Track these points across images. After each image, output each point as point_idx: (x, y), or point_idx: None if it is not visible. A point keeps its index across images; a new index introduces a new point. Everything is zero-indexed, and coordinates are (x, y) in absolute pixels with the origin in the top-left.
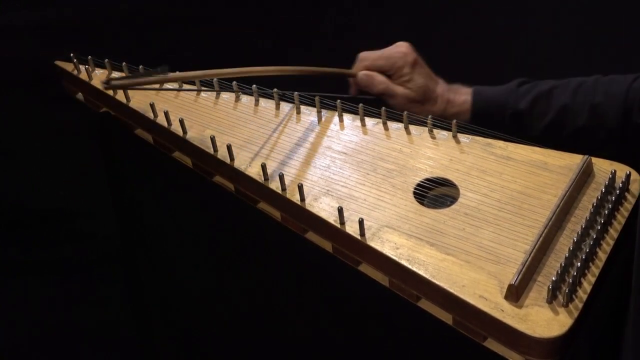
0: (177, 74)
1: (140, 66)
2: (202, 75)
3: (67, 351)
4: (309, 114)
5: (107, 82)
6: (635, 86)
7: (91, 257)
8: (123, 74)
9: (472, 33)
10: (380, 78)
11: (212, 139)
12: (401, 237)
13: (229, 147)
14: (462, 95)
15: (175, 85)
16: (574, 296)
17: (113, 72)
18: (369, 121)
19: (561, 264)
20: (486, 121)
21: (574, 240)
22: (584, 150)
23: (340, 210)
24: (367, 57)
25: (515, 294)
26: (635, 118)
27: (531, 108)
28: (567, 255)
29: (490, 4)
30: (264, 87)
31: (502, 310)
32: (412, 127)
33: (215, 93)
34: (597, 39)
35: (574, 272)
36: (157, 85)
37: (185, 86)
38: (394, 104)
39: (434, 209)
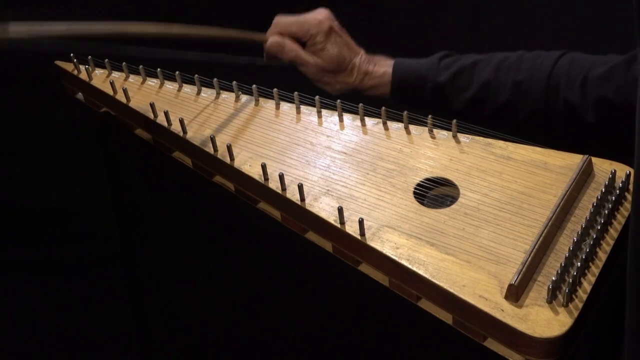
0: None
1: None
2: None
3: (67, 351)
4: (309, 114)
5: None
6: (561, 63)
7: (91, 257)
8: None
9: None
10: (290, 46)
11: (212, 139)
12: (401, 237)
13: (229, 147)
14: (382, 67)
15: (176, 85)
16: (574, 296)
17: (113, 72)
18: (369, 121)
19: (561, 264)
20: (406, 95)
21: (574, 240)
22: (507, 129)
23: (340, 210)
24: (280, 22)
25: (515, 293)
26: (562, 94)
27: (452, 82)
28: (567, 255)
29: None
30: (264, 87)
31: (502, 310)
32: (412, 127)
33: (215, 93)
34: (597, 39)
35: (574, 272)
36: (158, 84)
37: (185, 85)
38: (306, 73)
39: (434, 208)
